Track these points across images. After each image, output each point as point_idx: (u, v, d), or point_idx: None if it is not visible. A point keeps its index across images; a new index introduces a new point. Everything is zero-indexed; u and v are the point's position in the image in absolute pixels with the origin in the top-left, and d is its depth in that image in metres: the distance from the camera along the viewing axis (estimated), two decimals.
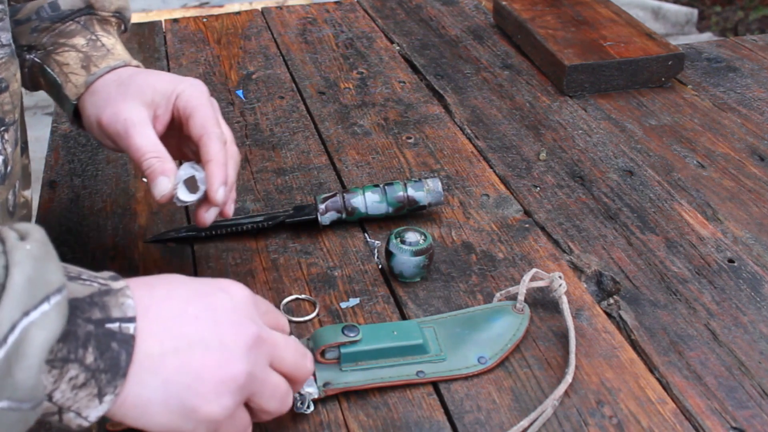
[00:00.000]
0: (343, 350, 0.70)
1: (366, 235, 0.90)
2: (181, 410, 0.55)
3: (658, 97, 1.19)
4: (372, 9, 1.51)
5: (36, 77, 0.82)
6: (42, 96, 0.85)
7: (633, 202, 0.95)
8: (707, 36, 3.86)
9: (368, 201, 0.90)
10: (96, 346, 0.51)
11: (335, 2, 1.55)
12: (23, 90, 0.83)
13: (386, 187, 0.90)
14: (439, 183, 0.91)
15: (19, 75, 0.76)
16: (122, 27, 0.87)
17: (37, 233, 0.51)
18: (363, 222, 0.92)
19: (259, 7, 1.73)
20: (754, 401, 0.68)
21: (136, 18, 2.61)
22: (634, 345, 0.75)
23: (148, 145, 0.72)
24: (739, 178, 0.99)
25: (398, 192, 0.90)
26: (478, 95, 1.20)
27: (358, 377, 0.69)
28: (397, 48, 1.36)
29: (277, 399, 0.60)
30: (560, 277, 0.76)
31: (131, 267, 0.86)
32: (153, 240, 0.90)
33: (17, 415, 0.48)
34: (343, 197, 0.90)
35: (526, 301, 0.76)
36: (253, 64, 1.31)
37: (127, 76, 0.77)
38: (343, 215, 0.90)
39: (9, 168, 0.74)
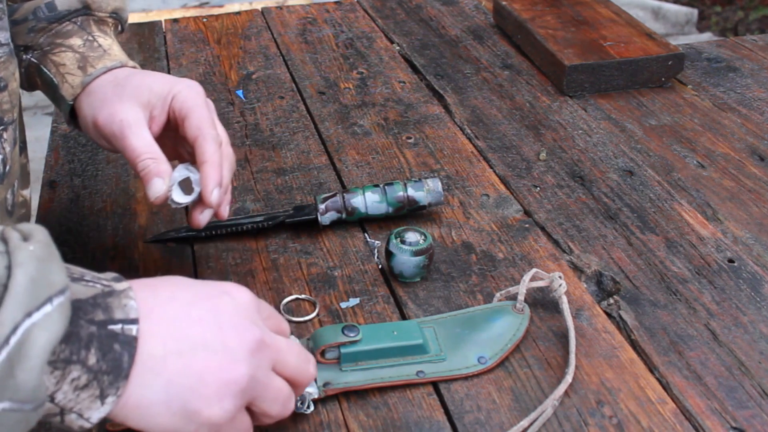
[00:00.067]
0: (343, 350, 0.70)
1: (366, 235, 0.90)
2: (183, 412, 0.55)
3: (658, 97, 1.19)
4: (372, 9, 1.52)
5: (33, 77, 0.82)
6: (42, 96, 0.85)
7: (633, 202, 0.95)
8: (707, 36, 3.86)
9: (368, 201, 0.90)
10: (98, 347, 0.51)
11: (335, 2, 1.55)
12: (22, 90, 0.83)
13: (386, 187, 0.90)
14: (439, 183, 0.91)
15: (17, 74, 0.76)
16: (119, 28, 0.87)
17: (40, 234, 0.51)
18: (363, 222, 0.92)
19: (259, 7, 1.73)
20: (754, 401, 0.68)
21: (136, 18, 2.62)
22: (634, 345, 0.75)
23: (143, 146, 0.72)
24: (739, 178, 0.99)
25: (398, 192, 0.90)
26: (478, 95, 1.20)
27: (358, 377, 0.69)
28: (397, 48, 1.36)
29: (279, 403, 0.60)
30: (560, 277, 0.76)
31: (131, 267, 0.86)
32: (153, 240, 0.90)
33: (19, 415, 0.48)
34: (343, 197, 0.90)
35: (526, 301, 0.76)
36: (253, 64, 1.31)
37: (124, 76, 0.77)
38: (343, 215, 0.90)
39: (8, 167, 0.74)
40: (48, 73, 0.80)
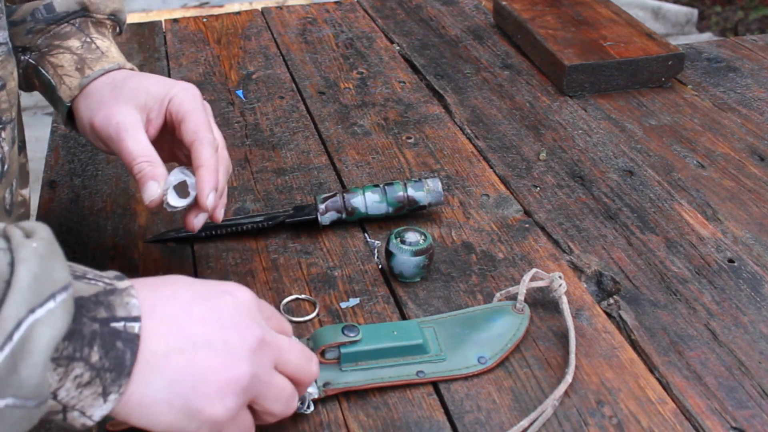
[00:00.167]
0: (343, 350, 0.70)
1: (366, 235, 0.90)
2: (186, 410, 0.55)
3: (658, 97, 1.19)
4: (372, 9, 1.52)
5: (30, 78, 0.82)
6: (42, 96, 0.85)
7: (633, 202, 0.95)
8: (707, 36, 3.86)
9: (368, 201, 0.90)
10: (101, 344, 0.51)
11: (335, 2, 1.55)
12: (21, 90, 0.83)
13: (386, 187, 0.90)
14: (439, 183, 0.91)
15: (16, 73, 0.76)
16: (117, 29, 0.87)
17: (43, 231, 0.51)
18: (363, 222, 0.92)
19: (259, 7, 1.73)
20: (754, 401, 0.68)
21: (136, 18, 2.62)
22: (634, 345, 0.75)
23: (139, 149, 0.72)
24: (739, 178, 0.99)
25: (398, 192, 0.90)
26: (478, 95, 1.20)
27: (358, 377, 0.69)
28: (397, 48, 1.36)
29: (281, 401, 0.60)
30: (560, 277, 0.76)
31: (131, 267, 0.86)
32: (153, 240, 0.90)
33: (22, 412, 0.49)
34: (343, 197, 0.90)
35: (526, 301, 0.76)
36: (253, 64, 1.31)
37: (121, 79, 0.77)
38: (343, 215, 0.90)
39: (6, 166, 0.74)
40: (46, 74, 0.80)
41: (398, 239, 0.82)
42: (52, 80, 0.79)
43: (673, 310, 0.78)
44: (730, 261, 0.85)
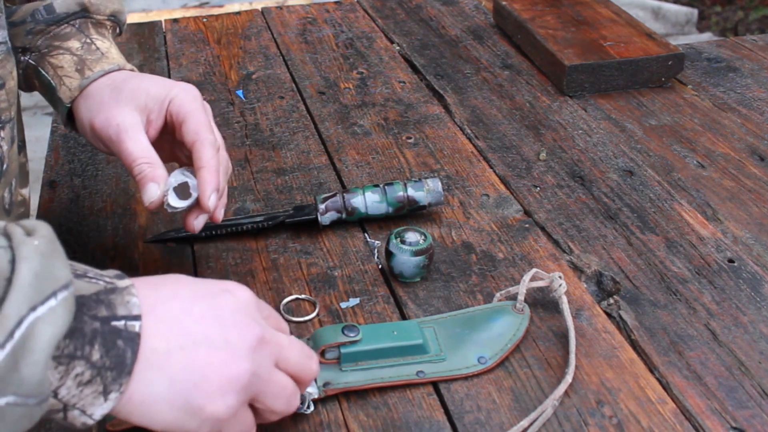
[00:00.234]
0: (343, 350, 0.70)
1: (366, 235, 0.90)
2: (187, 408, 0.55)
3: (658, 97, 1.19)
4: (372, 9, 1.52)
5: (30, 79, 0.82)
6: (42, 96, 0.85)
7: (633, 202, 0.95)
8: (707, 36, 3.86)
9: (368, 201, 0.90)
10: (102, 343, 0.52)
11: (335, 2, 1.55)
12: (21, 90, 0.83)
13: (386, 187, 0.90)
14: (439, 183, 0.91)
15: (15, 73, 0.76)
16: (117, 30, 0.87)
17: (44, 230, 0.51)
18: (363, 222, 0.92)
19: (259, 7, 1.73)
20: (754, 401, 0.68)
21: (136, 18, 2.62)
22: (634, 345, 0.75)
23: (139, 150, 0.73)
24: (739, 178, 0.99)
25: (398, 192, 0.90)
26: (478, 95, 1.20)
27: (358, 377, 0.69)
28: (397, 48, 1.36)
29: (283, 399, 0.60)
30: (560, 277, 0.76)
31: (131, 267, 0.86)
32: (153, 240, 0.90)
33: (22, 410, 0.49)
34: (343, 197, 0.90)
35: (526, 301, 0.76)
36: (253, 64, 1.31)
37: (121, 80, 0.78)
38: (343, 215, 0.90)
39: (5, 166, 0.74)
40: (46, 75, 0.80)
41: (398, 239, 0.82)
42: (52, 81, 0.80)
43: (673, 310, 0.78)
44: (730, 261, 0.85)
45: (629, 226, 0.91)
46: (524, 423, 0.65)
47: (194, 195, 0.73)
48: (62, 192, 0.99)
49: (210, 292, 0.59)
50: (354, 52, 1.35)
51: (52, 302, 0.49)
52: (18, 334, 0.47)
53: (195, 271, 0.85)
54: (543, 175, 1.01)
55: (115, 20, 0.86)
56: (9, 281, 0.47)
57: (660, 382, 0.70)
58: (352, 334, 0.70)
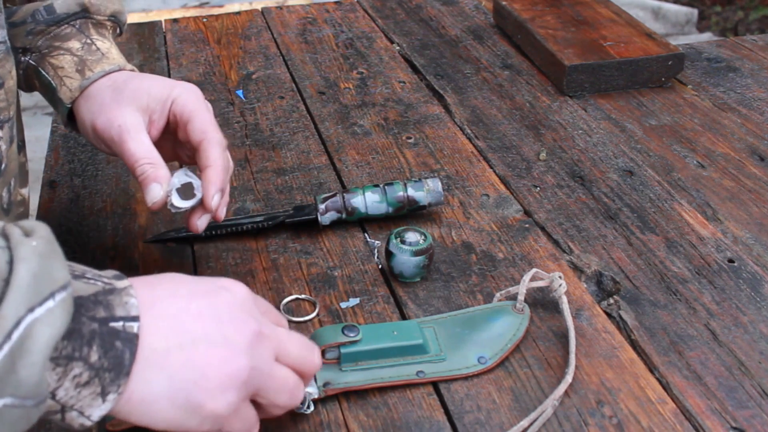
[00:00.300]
0: (343, 350, 0.70)
1: (366, 235, 0.90)
2: (187, 406, 0.55)
3: (658, 97, 1.19)
4: (372, 9, 1.52)
5: (31, 79, 0.82)
6: (42, 97, 0.85)
7: (633, 202, 0.95)
8: (707, 36, 3.86)
9: (368, 201, 0.90)
10: (100, 344, 0.52)
11: (335, 2, 1.55)
12: (21, 90, 0.83)
13: (386, 187, 0.90)
14: (439, 183, 0.91)
15: (14, 72, 0.76)
16: (117, 31, 0.87)
17: (42, 230, 0.51)
18: (363, 222, 0.92)
19: (259, 7, 1.73)
20: (754, 401, 0.68)
21: (136, 18, 2.62)
22: (634, 345, 0.75)
23: (141, 151, 0.73)
24: (739, 178, 0.99)
25: (398, 192, 0.90)
26: (478, 95, 1.20)
27: (358, 377, 0.69)
28: (397, 48, 1.36)
29: (285, 392, 0.60)
30: (560, 277, 0.76)
31: (131, 267, 0.86)
32: (153, 240, 0.90)
33: (20, 412, 0.48)
34: (343, 197, 0.90)
35: (526, 301, 0.76)
36: (253, 64, 1.31)
37: (122, 80, 0.78)
38: (343, 215, 0.90)
39: (4, 165, 0.74)
40: (46, 75, 0.80)
41: (398, 239, 0.82)
42: (52, 81, 0.80)
43: (673, 310, 0.78)
44: (730, 261, 0.85)
45: (629, 226, 0.91)
46: (524, 423, 0.65)
47: (198, 195, 0.74)
48: (62, 192, 0.99)
49: (207, 290, 0.59)
50: (354, 52, 1.35)
51: (50, 303, 0.49)
52: (16, 336, 0.47)
53: (195, 271, 0.85)
54: (543, 175, 1.01)
55: (116, 20, 0.86)
56: (7, 282, 0.47)
57: (660, 382, 0.70)
58: (352, 334, 0.70)
